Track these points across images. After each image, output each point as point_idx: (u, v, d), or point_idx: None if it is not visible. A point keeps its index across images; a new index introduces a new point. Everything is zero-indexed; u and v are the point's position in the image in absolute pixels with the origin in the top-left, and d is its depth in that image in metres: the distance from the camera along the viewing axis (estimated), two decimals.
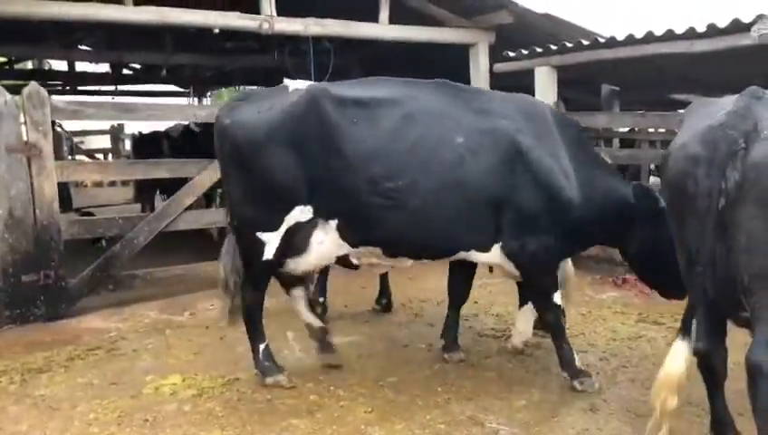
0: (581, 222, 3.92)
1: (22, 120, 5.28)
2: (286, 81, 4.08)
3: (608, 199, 4.00)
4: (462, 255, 3.97)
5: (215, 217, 6.39)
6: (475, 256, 3.98)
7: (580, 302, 5.45)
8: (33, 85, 5.39)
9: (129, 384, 4.05)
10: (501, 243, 3.88)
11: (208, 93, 16.81)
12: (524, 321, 4.51)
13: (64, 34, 10.37)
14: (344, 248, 3.93)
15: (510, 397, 3.78)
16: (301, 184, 3.75)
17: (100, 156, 15.51)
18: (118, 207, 11.70)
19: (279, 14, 6.95)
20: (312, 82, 4.06)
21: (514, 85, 7.80)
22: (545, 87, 7.42)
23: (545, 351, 4.48)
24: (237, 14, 6.77)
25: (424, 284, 6.27)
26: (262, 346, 4.03)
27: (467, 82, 8.32)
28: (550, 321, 4.00)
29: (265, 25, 6.86)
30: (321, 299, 5.40)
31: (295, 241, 3.88)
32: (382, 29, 7.68)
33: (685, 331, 2.97)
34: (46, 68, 14.20)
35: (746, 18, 5.66)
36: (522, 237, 3.84)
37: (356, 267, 4.17)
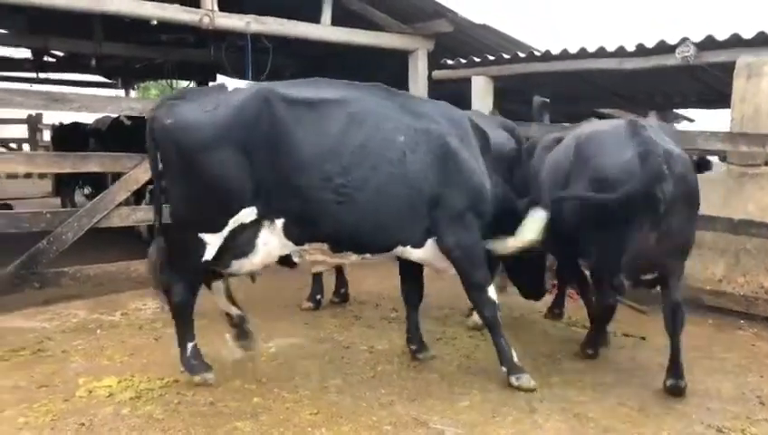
0: (491, 220, 4.25)
1: None
2: (223, 79, 4.04)
3: (503, 203, 4.34)
4: (399, 250, 4.11)
5: (147, 215, 6.18)
6: (409, 252, 4.12)
7: (512, 306, 5.62)
8: None
9: (60, 387, 3.88)
10: (436, 238, 4.06)
11: (135, 86, 16.23)
12: None
13: None
14: (288, 247, 3.96)
15: (452, 398, 3.86)
16: (248, 186, 3.74)
17: (14, 146, 14.68)
18: (38, 201, 11.12)
19: (220, 10, 6.83)
20: (249, 82, 4.06)
21: (451, 93, 8.01)
22: (482, 96, 7.65)
23: (484, 353, 4.61)
24: (178, 6, 6.61)
25: (361, 286, 6.31)
26: (190, 345, 3.99)
27: (405, 87, 8.44)
28: (486, 316, 4.13)
29: (206, 20, 6.73)
30: (342, 290, 5.90)
31: (240, 242, 3.87)
32: (323, 30, 7.68)
33: None
34: None
35: (672, 41, 6.04)
36: (457, 233, 4.04)
37: (294, 265, 4.18)
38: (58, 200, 11.64)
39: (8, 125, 15.18)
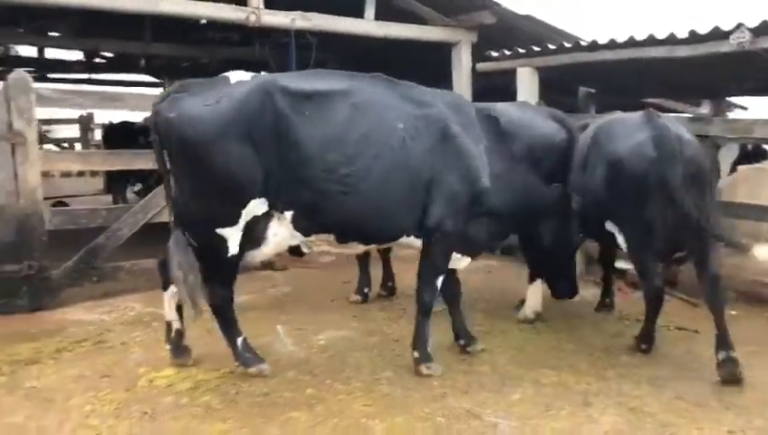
0: (493, 211, 4.31)
1: (6, 107, 5.16)
2: (229, 72, 4.04)
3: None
4: (404, 240, 4.21)
5: None
6: (413, 241, 4.22)
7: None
8: (17, 72, 5.29)
9: (122, 377, 4.02)
10: (424, 217, 4.11)
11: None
12: (533, 296, 5.11)
13: (35, 20, 10.11)
14: (297, 238, 4.02)
15: (504, 391, 3.86)
16: (255, 177, 3.75)
17: (66, 146, 15.16)
18: (90, 198, 11.48)
19: (266, 7, 6.92)
20: (255, 74, 3.99)
21: (496, 85, 7.94)
22: (528, 87, 7.54)
23: (535, 346, 4.60)
24: (225, 5, 6.72)
25: (410, 280, 6.33)
26: (240, 339, 4.04)
27: (448, 80, 8.42)
28: (426, 301, 4.23)
29: (252, 17, 6.82)
30: (389, 283, 5.91)
31: (253, 234, 3.92)
32: (367, 25, 7.71)
33: None
34: (13, 54, 13.79)
35: (726, 27, 5.86)
36: (440, 216, 4.09)
37: (302, 255, 4.24)
38: (110, 197, 11.97)
39: (59, 125, 15.71)
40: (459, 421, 3.46)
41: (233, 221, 3.79)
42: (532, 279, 5.19)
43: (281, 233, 3.96)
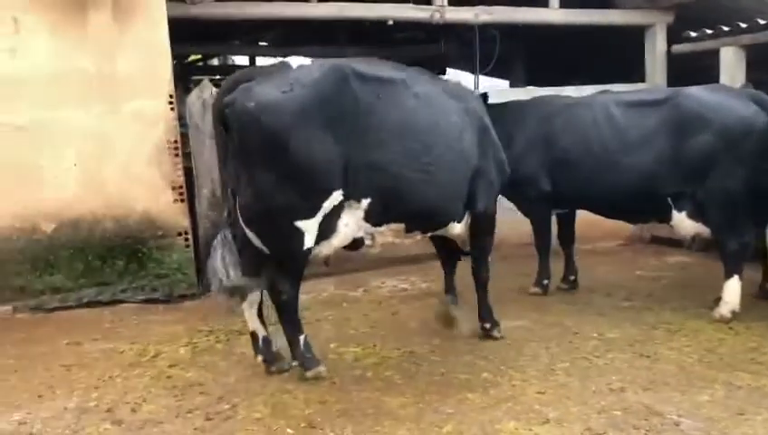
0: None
1: None
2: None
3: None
4: (449, 226, 4.41)
5: None
6: (453, 227, 4.42)
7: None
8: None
9: (315, 349, 4.44)
10: (470, 207, 4.40)
11: None
12: (730, 292, 4.78)
13: (248, 32, 11.32)
14: (363, 229, 3.97)
15: (691, 390, 3.65)
16: (337, 166, 3.63)
17: None
18: None
19: (449, 4, 7.12)
20: (314, 59, 3.79)
21: (693, 67, 7.35)
22: (732, 68, 6.91)
23: (730, 347, 4.27)
24: (411, 5, 7.05)
25: (593, 274, 6.19)
26: (302, 338, 3.90)
27: (639, 65, 7.97)
28: (484, 277, 4.61)
29: (437, 15, 7.06)
30: (572, 277, 5.85)
31: (326, 225, 3.77)
32: (552, 14, 7.59)
33: None
34: (230, 63, 15.55)
35: None
36: (486, 200, 4.45)
37: (358, 248, 4.27)
38: None
39: None
40: (637, 417, 3.35)
41: (312, 213, 3.63)
42: (728, 275, 4.80)
43: (350, 224, 3.84)
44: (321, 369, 3.90)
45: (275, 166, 3.53)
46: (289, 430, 3.29)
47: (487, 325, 4.58)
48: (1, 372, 4.19)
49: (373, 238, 4.23)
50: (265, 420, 3.40)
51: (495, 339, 4.51)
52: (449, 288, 5.01)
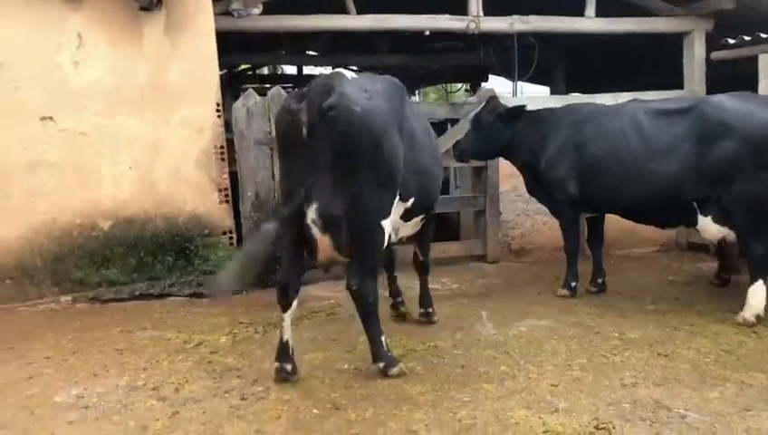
0: None
1: (266, 117, 6.30)
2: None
3: None
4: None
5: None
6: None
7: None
8: (275, 88, 6.40)
9: (345, 341, 4.74)
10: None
11: (416, 92, 17.73)
12: (755, 296, 4.87)
13: (295, 43, 11.79)
14: (393, 227, 4.18)
15: (702, 387, 3.77)
16: (402, 167, 4.01)
17: None
18: None
19: (485, 14, 7.33)
20: (351, 72, 4.12)
21: (731, 75, 7.36)
22: None
23: (749, 350, 4.34)
24: (447, 16, 7.28)
25: (620, 277, 6.29)
26: (383, 338, 4.04)
27: (679, 72, 8.00)
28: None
29: (472, 25, 7.29)
30: (600, 280, 5.96)
31: None
32: (589, 22, 7.70)
33: None
34: (279, 72, 16.13)
35: None
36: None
37: (328, 271, 4.59)
38: None
39: None
40: (645, 410, 3.50)
41: (390, 212, 3.96)
42: (753, 279, 4.86)
43: (387, 223, 3.99)
44: (402, 366, 4.03)
45: (373, 167, 3.76)
46: (315, 410, 3.58)
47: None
48: (62, 354, 4.63)
49: (396, 234, 4.49)
50: (294, 401, 3.70)
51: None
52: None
